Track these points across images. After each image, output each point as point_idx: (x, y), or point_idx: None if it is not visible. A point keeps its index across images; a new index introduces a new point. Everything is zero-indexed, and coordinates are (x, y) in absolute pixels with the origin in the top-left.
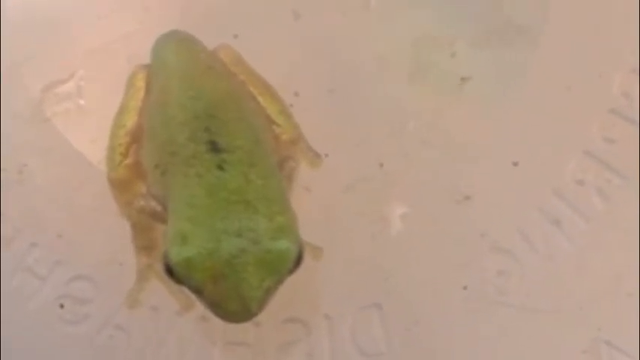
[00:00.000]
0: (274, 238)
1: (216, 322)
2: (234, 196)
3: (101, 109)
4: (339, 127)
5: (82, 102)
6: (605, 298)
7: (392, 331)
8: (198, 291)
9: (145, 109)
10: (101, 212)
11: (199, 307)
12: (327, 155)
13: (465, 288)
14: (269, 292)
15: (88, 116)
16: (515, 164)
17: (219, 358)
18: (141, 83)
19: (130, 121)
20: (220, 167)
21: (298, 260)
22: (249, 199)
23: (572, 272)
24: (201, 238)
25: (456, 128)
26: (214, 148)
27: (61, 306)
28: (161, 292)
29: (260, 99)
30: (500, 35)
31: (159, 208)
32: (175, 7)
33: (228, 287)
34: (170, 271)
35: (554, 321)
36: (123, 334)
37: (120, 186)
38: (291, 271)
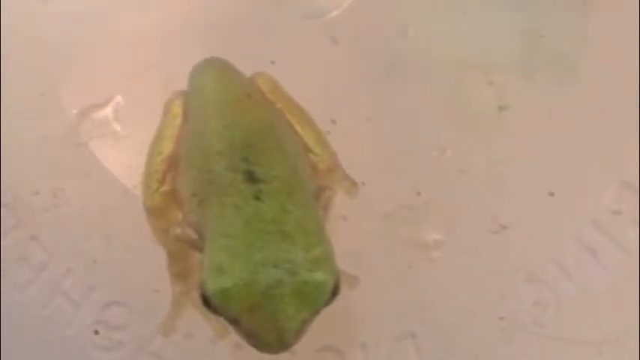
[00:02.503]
0: (311, 270)
1: (251, 350)
2: (271, 226)
3: (137, 135)
4: (376, 155)
5: (118, 127)
6: None
7: None
8: (234, 321)
9: (182, 136)
10: (137, 238)
11: (234, 335)
12: (363, 184)
13: (501, 318)
14: (305, 324)
15: (124, 141)
16: (552, 194)
17: None
18: (177, 110)
19: (167, 148)
20: (257, 197)
21: (335, 292)
22: (286, 229)
23: (608, 303)
24: (238, 268)
25: (493, 157)
26: (251, 178)
27: (96, 332)
28: (196, 319)
29: (297, 127)
30: (538, 64)
31: (195, 236)
32: (212, 33)
33: (264, 318)
34: (207, 302)
35: (591, 352)
36: None
37: (156, 213)
38: (327, 303)
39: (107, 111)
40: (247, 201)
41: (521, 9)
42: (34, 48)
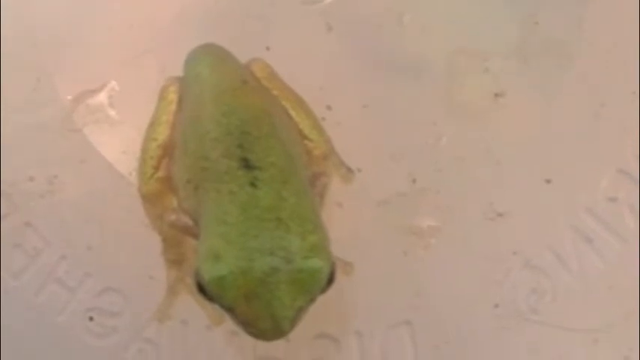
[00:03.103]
0: (307, 257)
1: (247, 337)
2: (266, 213)
3: (132, 120)
4: (371, 142)
5: (113, 113)
6: (637, 317)
7: (422, 348)
8: (229, 309)
9: (177, 123)
10: (131, 224)
11: (229, 322)
12: (359, 170)
13: (496, 306)
14: (301, 311)
15: (119, 127)
16: (548, 181)
17: None
18: (173, 96)
19: (162, 134)
20: (253, 184)
21: (330, 279)
22: (281, 217)
23: (604, 291)
24: (233, 256)
25: (489, 144)
26: (247, 164)
27: (90, 319)
28: (191, 306)
29: (293, 113)
30: (534, 51)
31: (190, 222)
32: (208, 19)
33: (260, 306)
34: (202, 289)
35: (587, 339)
36: (152, 348)
37: (151, 199)
38: (323, 290)
39: (102, 97)
40: (243, 188)
41: None
42: (28, 33)
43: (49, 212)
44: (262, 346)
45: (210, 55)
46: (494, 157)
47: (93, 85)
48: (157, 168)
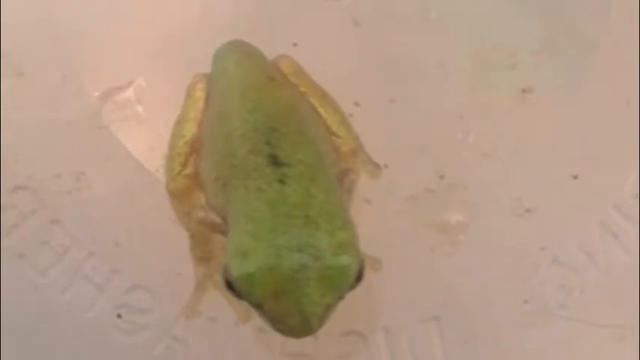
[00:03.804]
0: (335, 254)
1: (275, 334)
2: (295, 210)
3: (160, 117)
4: (399, 138)
5: (140, 109)
6: None
7: (451, 344)
8: (258, 306)
9: (205, 119)
10: (159, 221)
11: (257, 319)
12: (386, 166)
13: (525, 302)
14: (329, 308)
15: (146, 124)
16: (575, 177)
17: None
18: (200, 93)
19: (190, 131)
20: (281, 181)
21: (359, 276)
22: (310, 214)
23: (631, 286)
24: (262, 253)
25: (517, 140)
26: (275, 161)
27: (119, 316)
28: (219, 302)
29: (320, 110)
30: (561, 46)
31: (218, 219)
32: (235, 15)
33: (288, 303)
34: (230, 286)
35: (615, 335)
36: (180, 345)
37: (179, 196)
38: (351, 287)
39: (129, 93)
40: (271, 185)
41: None
42: (53, 29)
43: (76, 209)
44: (290, 343)
45: (238, 51)
46: (522, 152)
47: (120, 82)
48: (184, 165)
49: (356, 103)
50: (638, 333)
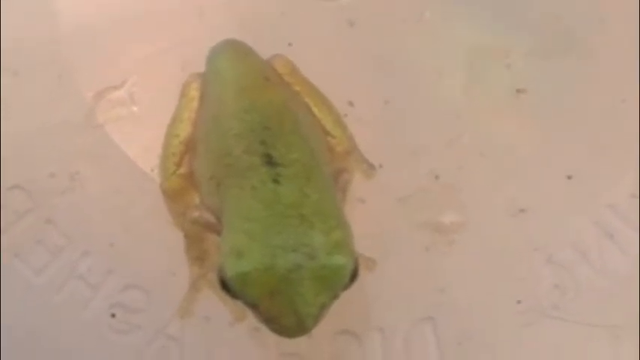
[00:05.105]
0: (330, 254)
1: (269, 333)
2: (289, 210)
3: (154, 117)
4: (393, 138)
5: (134, 109)
6: None
7: (445, 344)
8: (253, 306)
9: (199, 119)
10: (154, 221)
11: (252, 318)
12: (381, 166)
13: (519, 302)
14: (324, 308)
15: (140, 123)
16: (570, 177)
17: None
18: (194, 93)
19: (184, 131)
20: (276, 181)
21: (353, 276)
22: (304, 213)
23: (626, 286)
24: (257, 252)
25: (511, 140)
26: (270, 161)
27: (113, 315)
28: (213, 302)
29: (315, 110)
30: (556, 47)
31: (212, 219)
32: (230, 15)
33: (283, 303)
34: (225, 286)
35: (609, 335)
36: (175, 345)
37: (173, 196)
38: (346, 287)
39: (123, 93)
40: (266, 184)
41: None
42: (50, 31)
43: (70, 209)
44: (284, 342)
45: (232, 51)
46: (516, 153)
47: (114, 82)
48: (179, 164)
49: (350, 103)
50: (638, 333)
